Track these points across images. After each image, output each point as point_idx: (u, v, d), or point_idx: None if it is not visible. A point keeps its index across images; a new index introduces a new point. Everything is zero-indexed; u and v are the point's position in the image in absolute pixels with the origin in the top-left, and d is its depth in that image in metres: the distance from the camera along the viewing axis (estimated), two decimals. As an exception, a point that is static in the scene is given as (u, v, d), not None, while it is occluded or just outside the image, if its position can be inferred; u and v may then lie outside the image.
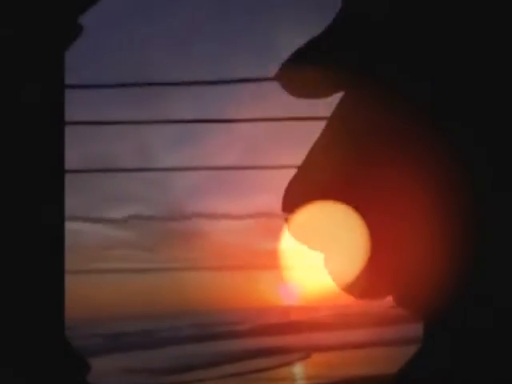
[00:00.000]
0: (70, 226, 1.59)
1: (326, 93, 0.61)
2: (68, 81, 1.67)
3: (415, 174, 0.54)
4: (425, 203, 0.53)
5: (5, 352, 1.21)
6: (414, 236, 0.54)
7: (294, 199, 0.58)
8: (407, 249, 0.54)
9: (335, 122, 0.60)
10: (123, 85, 2.04)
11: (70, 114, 1.70)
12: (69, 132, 1.64)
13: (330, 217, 0.57)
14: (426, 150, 0.53)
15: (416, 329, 0.61)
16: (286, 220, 0.59)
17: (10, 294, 1.26)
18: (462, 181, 0.52)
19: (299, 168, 0.60)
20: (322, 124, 0.63)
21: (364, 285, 0.56)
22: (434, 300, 0.53)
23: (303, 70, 0.61)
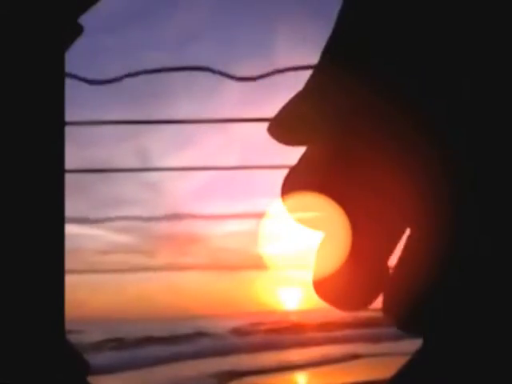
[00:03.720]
0: (67, 229, 1.58)
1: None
2: (68, 81, 1.67)
3: (404, 175, 0.53)
4: (415, 203, 0.53)
5: (4, 352, 1.21)
6: (403, 236, 0.54)
7: (293, 186, 0.56)
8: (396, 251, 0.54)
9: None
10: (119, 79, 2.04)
11: (70, 113, 1.71)
12: (68, 133, 1.64)
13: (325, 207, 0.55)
14: (418, 153, 0.52)
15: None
16: (299, 220, 0.57)
17: (9, 295, 1.26)
18: (453, 183, 0.51)
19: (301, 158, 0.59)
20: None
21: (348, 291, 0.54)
22: (424, 304, 0.53)
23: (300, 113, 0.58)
